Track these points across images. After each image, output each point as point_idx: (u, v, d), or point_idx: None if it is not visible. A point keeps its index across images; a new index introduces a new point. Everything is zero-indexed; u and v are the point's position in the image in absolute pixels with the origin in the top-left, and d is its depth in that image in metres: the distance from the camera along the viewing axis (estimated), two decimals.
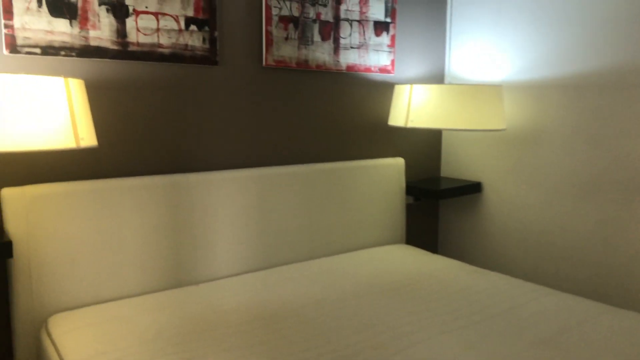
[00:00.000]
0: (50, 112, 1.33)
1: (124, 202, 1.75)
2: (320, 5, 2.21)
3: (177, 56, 1.88)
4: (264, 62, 2.09)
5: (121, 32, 1.77)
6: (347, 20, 2.30)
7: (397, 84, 2.55)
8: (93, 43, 1.72)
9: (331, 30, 2.26)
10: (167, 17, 1.85)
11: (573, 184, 2.26)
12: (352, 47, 2.33)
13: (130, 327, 1.52)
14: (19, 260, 1.59)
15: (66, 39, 1.67)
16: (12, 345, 1.70)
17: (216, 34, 1.95)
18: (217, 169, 2.05)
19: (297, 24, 2.15)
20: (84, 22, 1.70)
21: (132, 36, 1.79)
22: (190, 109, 1.96)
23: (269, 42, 2.09)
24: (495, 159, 2.56)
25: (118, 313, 1.61)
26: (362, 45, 2.36)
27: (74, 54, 1.69)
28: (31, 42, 1.61)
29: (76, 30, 1.69)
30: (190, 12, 1.89)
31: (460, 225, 2.75)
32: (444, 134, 2.80)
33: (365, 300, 1.73)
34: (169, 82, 1.90)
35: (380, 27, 2.42)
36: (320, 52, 2.23)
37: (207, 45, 1.94)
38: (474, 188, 2.59)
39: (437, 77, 2.72)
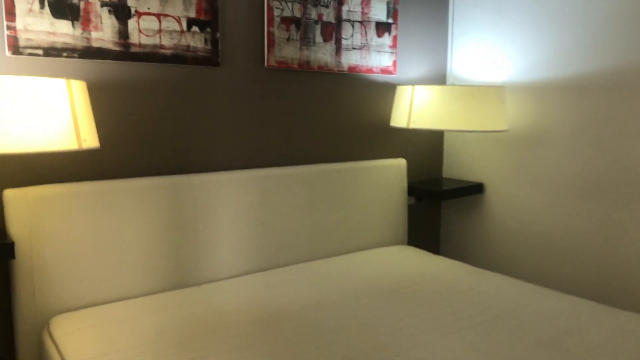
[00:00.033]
0: (52, 113, 1.33)
1: (126, 203, 1.75)
2: (322, 6, 2.21)
3: (179, 57, 1.89)
4: (265, 63, 2.09)
5: (123, 34, 1.77)
6: (349, 21, 2.30)
7: (399, 84, 2.54)
8: (95, 44, 1.72)
9: (333, 31, 2.26)
10: (169, 18, 1.85)
11: (575, 184, 2.26)
12: (354, 48, 2.33)
13: (132, 328, 1.52)
14: (21, 261, 1.59)
15: (68, 41, 1.68)
16: (14, 346, 1.70)
17: (218, 35, 1.95)
18: (219, 169, 2.05)
19: (299, 25, 2.15)
20: (86, 24, 1.70)
21: (134, 37, 1.79)
22: (192, 110, 1.96)
23: (271, 43, 2.09)
24: (497, 160, 2.56)
25: (120, 314, 1.62)
26: (364, 46, 2.36)
27: (76, 55, 1.69)
28: (33, 43, 1.62)
29: (78, 31, 1.69)
30: (192, 14, 1.89)
31: (462, 226, 2.75)
32: (446, 135, 2.80)
33: (366, 302, 1.73)
34: (171, 83, 1.90)
35: (382, 27, 2.42)
36: (322, 53, 2.24)
37: (209, 47, 1.94)
38: (476, 189, 2.59)
39: (439, 78, 2.72)
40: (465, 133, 2.69)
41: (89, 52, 1.72)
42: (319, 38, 2.21)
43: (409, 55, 2.57)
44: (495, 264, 2.61)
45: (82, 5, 1.68)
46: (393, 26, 2.45)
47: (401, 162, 2.49)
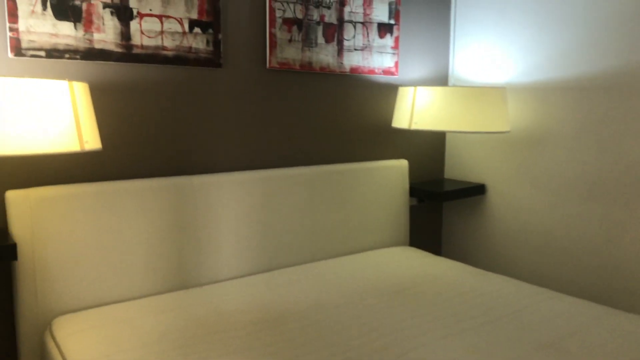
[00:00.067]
0: (54, 115, 1.33)
1: (128, 204, 1.75)
2: (324, 7, 2.21)
3: (181, 59, 1.89)
4: (267, 65, 2.09)
5: (125, 35, 1.77)
6: (350, 22, 2.30)
7: (401, 85, 2.54)
8: (97, 46, 1.73)
9: (335, 32, 2.26)
10: (171, 19, 1.85)
11: (577, 185, 2.25)
12: (355, 49, 2.33)
13: (134, 329, 1.52)
14: (23, 262, 1.59)
15: (70, 42, 1.68)
16: (16, 347, 1.70)
17: (220, 36, 1.95)
18: (221, 171, 2.05)
19: (300, 26, 2.15)
20: (88, 25, 1.70)
21: (136, 39, 1.79)
22: (194, 111, 1.96)
23: (273, 45, 2.09)
24: (499, 161, 2.55)
25: (122, 315, 1.62)
26: (365, 47, 2.36)
27: (78, 56, 1.70)
28: (36, 45, 1.62)
29: (80, 33, 1.69)
30: (194, 15, 1.89)
31: (464, 227, 2.75)
32: (447, 136, 2.80)
33: (368, 303, 1.73)
34: (172, 84, 1.90)
35: (384, 29, 2.42)
36: (324, 54, 2.24)
37: (211, 48, 1.94)
38: (478, 190, 2.59)
39: (441, 79, 2.72)
40: (467, 134, 2.69)
41: (91, 54, 1.72)
42: (320, 39, 2.21)
43: (411, 56, 2.57)
44: (497, 265, 2.60)
45: (84, 6, 1.69)
46: (395, 27, 2.45)
47: (403, 163, 2.49)
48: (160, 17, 1.83)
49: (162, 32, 1.84)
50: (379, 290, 1.84)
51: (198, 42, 1.91)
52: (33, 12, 1.60)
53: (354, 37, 2.32)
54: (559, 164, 2.31)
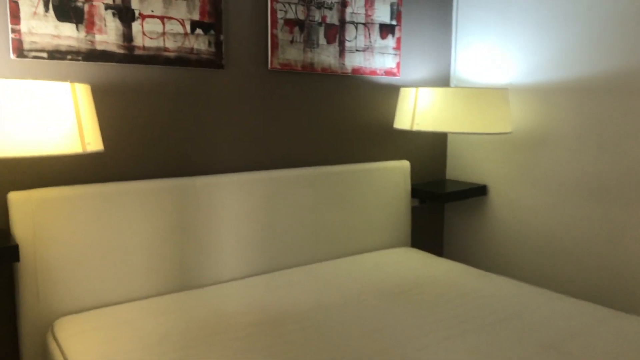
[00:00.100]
0: (56, 117, 1.33)
1: (130, 205, 1.75)
2: (326, 8, 2.21)
3: (183, 60, 1.89)
4: (269, 66, 2.09)
5: (127, 36, 1.77)
6: (352, 23, 2.30)
7: (403, 86, 2.54)
8: (99, 47, 1.73)
9: (337, 33, 2.26)
10: (173, 21, 1.85)
11: (580, 187, 2.25)
12: (357, 50, 2.33)
13: (136, 330, 1.52)
14: (25, 263, 1.60)
15: (72, 43, 1.68)
16: (18, 348, 1.70)
17: (222, 37, 1.96)
18: (223, 172, 2.05)
19: (302, 27, 2.15)
20: (90, 27, 1.70)
21: (138, 40, 1.79)
22: (196, 112, 1.96)
23: (275, 46, 2.09)
24: (501, 162, 2.55)
25: (124, 316, 1.62)
26: (367, 48, 2.36)
27: (80, 58, 1.70)
28: (38, 46, 1.62)
29: (82, 34, 1.69)
30: (196, 16, 1.89)
31: (466, 228, 2.75)
32: (449, 137, 2.79)
33: (370, 304, 1.73)
34: (174, 85, 1.91)
35: (386, 29, 2.42)
36: (326, 55, 2.24)
37: (212, 49, 1.94)
38: (480, 191, 2.58)
39: (443, 80, 2.72)
40: (469, 135, 2.69)
41: (93, 55, 1.72)
42: (322, 40, 2.21)
43: (413, 57, 2.57)
44: (499, 266, 2.60)
45: (86, 8, 1.69)
46: (397, 28, 2.45)
47: (405, 164, 2.48)
48: (162, 18, 1.83)
49: (164, 34, 1.84)
50: (380, 292, 1.84)
51: (200, 44, 1.91)
52: (35, 13, 1.61)
53: (355, 38, 2.32)
54: (561, 165, 2.30)
